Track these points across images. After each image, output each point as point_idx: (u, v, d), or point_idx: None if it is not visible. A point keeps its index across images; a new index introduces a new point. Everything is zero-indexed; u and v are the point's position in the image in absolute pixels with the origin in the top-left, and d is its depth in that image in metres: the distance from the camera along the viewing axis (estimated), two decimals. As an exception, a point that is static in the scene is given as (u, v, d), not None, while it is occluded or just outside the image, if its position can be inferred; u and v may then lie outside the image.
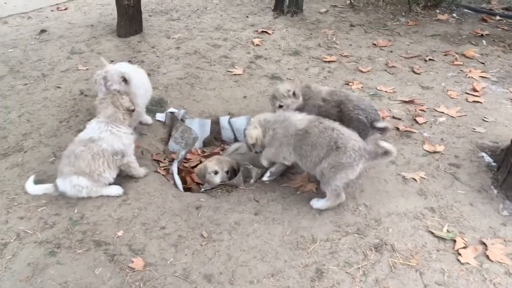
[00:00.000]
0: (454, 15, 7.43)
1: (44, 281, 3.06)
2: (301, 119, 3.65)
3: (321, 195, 3.66)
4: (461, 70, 5.68)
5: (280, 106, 4.12)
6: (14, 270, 3.14)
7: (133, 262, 3.18)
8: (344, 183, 3.50)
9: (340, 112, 3.98)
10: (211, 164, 4.20)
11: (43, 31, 6.99)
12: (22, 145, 4.37)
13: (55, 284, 3.04)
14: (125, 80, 3.98)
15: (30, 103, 5.06)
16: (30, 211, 3.63)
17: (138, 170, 4.00)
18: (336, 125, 3.55)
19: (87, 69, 5.79)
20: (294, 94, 4.08)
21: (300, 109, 4.04)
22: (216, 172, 4.15)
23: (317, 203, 3.64)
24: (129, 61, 5.63)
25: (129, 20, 6.63)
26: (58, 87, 5.38)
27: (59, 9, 8.09)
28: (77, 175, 3.64)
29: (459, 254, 3.19)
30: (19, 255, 3.26)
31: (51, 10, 8.05)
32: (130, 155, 3.89)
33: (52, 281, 3.06)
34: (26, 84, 5.47)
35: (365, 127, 3.89)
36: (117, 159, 3.77)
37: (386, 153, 3.41)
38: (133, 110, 3.94)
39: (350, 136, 3.44)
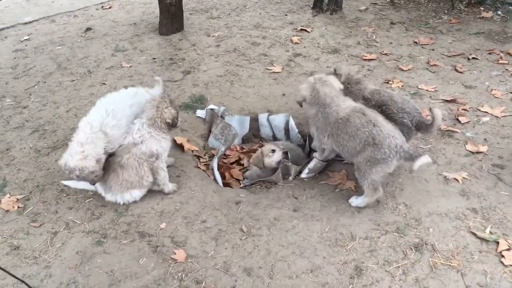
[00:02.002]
0: (499, 12, 7.21)
1: (91, 269, 3.20)
2: (346, 108, 3.59)
3: (360, 193, 3.66)
4: (506, 69, 5.52)
5: None
6: (63, 258, 3.31)
7: (175, 253, 3.29)
8: (381, 177, 3.48)
9: (382, 113, 3.88)
10: (266, 147, 4.28)
11: (88, 29, 7.23)
12: (70, 139, 4.54)
13: (102, 273, 3.18)
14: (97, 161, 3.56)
15: (77, 99, 5.27)
16: (78, 202, 3.81)
17: (166, 181, 3.86)
18: (380, 119, 3.49)
19: (130, 66, 5.96)
20: (335, 72, 4.12)
21: None
22: (273, 151, 4.21)
23: (355, 200, 3.65)
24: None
25: (171, 18, 6.77)
26: (103, 83, 5.57)
27: (104, 7, 8.35)
28: (129, 190, 3.71)
29: (502, 256, 3.13)
30: (68, 243, 3.42)
31: (96, 9, 8.32)
32: (162, 160, 3.81)
33: (99, 269, 3.20)
34: (73, 81, 5.69)
35: (410, 130, 3.80)
36: (151, 161, 3.74)
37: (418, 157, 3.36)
38: (173, 125, 3.82)
39: (389, 133, 3.39)
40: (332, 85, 3.73)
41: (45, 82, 5.71)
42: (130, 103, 3.89)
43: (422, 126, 3.83)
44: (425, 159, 3.32)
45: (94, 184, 3.68)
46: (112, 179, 3.69)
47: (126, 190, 3.70)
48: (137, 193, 3.75)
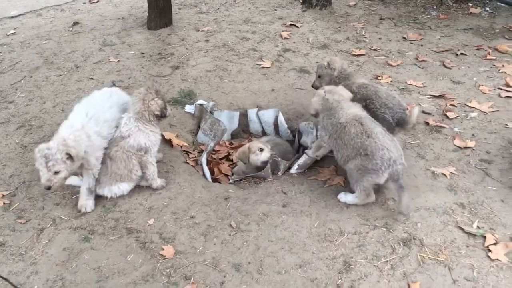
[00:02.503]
0: (487, 8, 7.25)
1: (79, 265, 3.17)
2: (348, 114, 3.59)
3: (349, 189, 3.67)
4: (494, 65, 5.56)
5: (319, 76, 4.34)
6: (50, 255, 3.27)
7: (163, 249, 3.27)
8: (372, 185, 3.49)
9: (366, 107, 3.89)
10: (254, 144, 4.23)
11: (75, 23, 7.14)
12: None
13: (89, 269, 3.15)
14: (70, 158, 3.33)
15: (64, 94, 5.20)
16: (65, 198, 3.77)
17: (155, 176, 3.82)
18: (376, 130, 3.45)
19: (118, 61, 5.90)
20: (329, 66, 4.20)
21: None
22: (261, 149, 4.15)
23: (344, 197, 3.65)
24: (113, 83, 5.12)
25: (159, 13, 6.71)
26: (91, 78, 5.51)
27: (91, 1, 8.26)
28: (117, 183, 3.69)
29: (489, 250, 3.16)
30: (55, 240, 3.39)
31: (83, 3, 8.22)
32: (151, 155, 3.77)
33: (87, 266, 3.17)
34: (60, 75, 5.62)
35: (390, 126, 3.81)
36: (140, 155, 3.70)
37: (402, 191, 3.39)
38: (162, 116, 3.80)
39: (383, 145, 3.37)
40: (340, 94, 3.76)
41: (31, 76, 5.63)
42: (108, 105, 3.81)
43: (402, 123, 3.86)
44: (405, 199, 3.37)
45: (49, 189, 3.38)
46: (101, 171, 3.67)
47: (115, 183, 3.67)
48: (125, 186, 3.72)
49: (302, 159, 4.14)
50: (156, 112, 3.72)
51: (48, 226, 3.51)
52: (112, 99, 3.89)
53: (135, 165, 3.70)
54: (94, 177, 3.66)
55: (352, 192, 3.61)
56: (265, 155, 4.14)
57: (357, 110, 3.66)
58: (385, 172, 3.38)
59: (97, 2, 8.23)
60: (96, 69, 5.72)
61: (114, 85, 4.88)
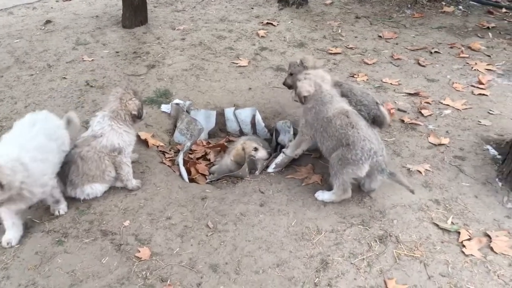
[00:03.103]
0: (460, 7, 7.39)
1: (52, 269, 3.10)
2: (336, 108, 3.60)
3: (327, 187, 3.68)
4: (467, 63, 5.66)
5: (291, 74, 4.31)
6: (22, 259, 3.18)
7: (139, 251, 3.21)
8: (351, 179, 3.50)
9: None
10: (248, 144, 4.25)
11: (48, 21, 6.99)
12: None
13: (63, 273, 3.07)
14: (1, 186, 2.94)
15: (36, 94, 5.08)
16: (37, 201, 3.67)
17: (130, 176, 3.75)
18: (361, 123, 3.50)
19: (92, 60, 5.80)
20: (302, 63, 4.19)
21: None
22: (256, 149, 4.20)
23: (322, 195, 3.66)
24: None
25: (134, 11, 6.62)
26: (64, 78, 5.40)
27: (64, -1, 8.11)
28: (90, 184, 3.60)
29: (464, 246, 3.21)
30: (27, 244, 3.30)
31: (56, 1, 8.06)
32: (125, 155, 3.70)
33: (60, 269, 3.09)
34: (32, 75, 5.49)
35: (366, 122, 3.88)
36: (113, 156, 3.63)
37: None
38: (138, 117, 3.72)
39: (365, 136, 3.40)
40: (329, 82, 3.77)
41: (2, 76, 5.48)
42: (34, 133, 3.41)
43: (378, 120, 3.91)
44: (403, 179, 3.45)
45: None
46: (73, 172, 3.57)
47: (87, 183, 3.58)
48: (98, 187, 3.64)
49: (280, 158, 4.13)
50: (134, 112, 3.65)
51: (19, 229, 3.42)
52: (38, 125, 3.49)
53: (108, 166, 3.62)
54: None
55: (330, 187, 3.62)
56: (261, 153, 4.20)
57: (344, 104, 3.68)
58: (365, 163, 3.38)
59: (70, 0, 8.07)
60: (70, 69, 5.61)
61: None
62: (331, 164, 3.56)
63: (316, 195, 3.68)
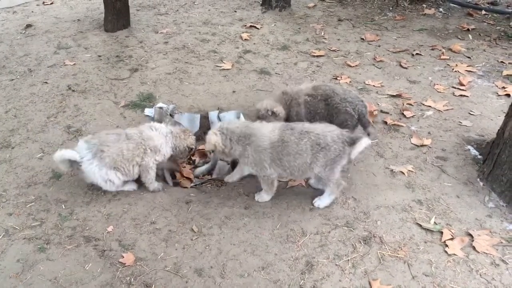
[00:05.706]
0: (441, 9, 7.49)
1: (34, 277, 3.05)
2: (272, 130, 3.49)
3: (319, 192, 3.68)
4: (448, 64, 5.74)
5: (260, 118, 4.09)
6: (3, 267, 3.13)
7: (123, 257, 3.18)
8: (340, 172, 3.53)
9: (327, 105, 4.00)
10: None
11: (29, 25, 6.90)
12: (10, 141, 4.33)
13: (45, 280, 3.03)
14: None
15: (17, 99, 5.01)
16: (18, 207, 3.62)
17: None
18: (307, 126, 3.48)
19: (74, 64, 5.74)
20: (273, 113, 4.04)
21: (286, 118, 4.10)
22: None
23: (319, 201, 3.62)
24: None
25: (116, 14, 6.57)
26: (45, 82, 5.33)
27: (45, 3, 8.00)
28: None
29: (446, 245, 3.24)
30: (8, 251, 3.24)
31: (37, 5, 7.96)
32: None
33: (42, 277, 3.05)
34: (13, 80, 5.41)
35: (353, 118, 3.97)
36: None
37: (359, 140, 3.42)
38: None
39: (324, 131, 3.41)
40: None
41: (-19, 81, 5.40)
42: None
43: (362, 117, 3.99)
44: (364, 142, 3.39)
45: None
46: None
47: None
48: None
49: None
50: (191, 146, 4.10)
51: (0, 237, 3.35)
52: None
53: None
54: None
55: (321, 191, 3.63)
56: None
57: (272, 123, 3.60)
58: (344, 150, 3.38)
59: (52, 3, 7.98)
60: (51, 73, 5.54)
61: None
62: (317, 178, 3.55)
63: (316, 205, 3.61)
